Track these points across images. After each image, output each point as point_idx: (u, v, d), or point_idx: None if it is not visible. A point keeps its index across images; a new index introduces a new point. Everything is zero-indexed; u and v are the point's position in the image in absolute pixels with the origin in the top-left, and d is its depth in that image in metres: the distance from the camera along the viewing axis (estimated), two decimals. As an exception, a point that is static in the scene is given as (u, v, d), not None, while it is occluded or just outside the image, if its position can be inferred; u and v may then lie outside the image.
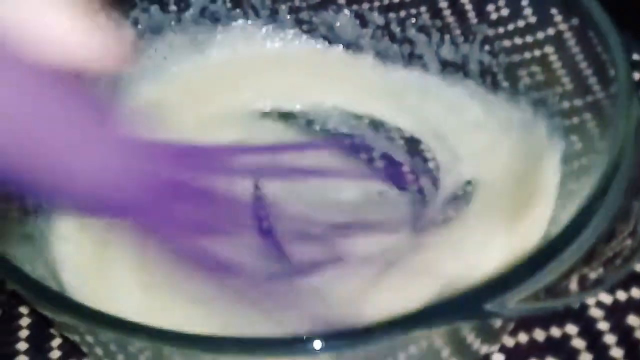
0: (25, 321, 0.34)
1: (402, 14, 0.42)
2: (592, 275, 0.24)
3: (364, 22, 0.42)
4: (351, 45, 0.42)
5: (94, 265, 0.31)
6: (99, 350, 0.28)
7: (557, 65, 0.38)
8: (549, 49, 0.38)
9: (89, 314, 0.25)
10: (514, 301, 0.23)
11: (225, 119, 0.40)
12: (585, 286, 0.24)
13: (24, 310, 0.34)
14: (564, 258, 0.24)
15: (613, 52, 0.31)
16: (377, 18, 0.42)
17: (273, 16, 0.43)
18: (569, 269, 0.24)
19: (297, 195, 0.35)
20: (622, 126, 0.28)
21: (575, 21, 0.36)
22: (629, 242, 0.26)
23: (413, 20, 0.42)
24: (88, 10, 0.20)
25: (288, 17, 0.43)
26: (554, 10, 0.37)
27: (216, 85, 0.41)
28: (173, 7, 0.42)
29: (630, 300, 0.33)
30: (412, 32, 0.41)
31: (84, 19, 0.20)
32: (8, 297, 0.34)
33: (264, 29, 0.43)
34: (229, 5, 0.43)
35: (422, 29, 0.42)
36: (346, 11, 0.42)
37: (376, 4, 0.43)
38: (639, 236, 0.26)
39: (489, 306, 0.22)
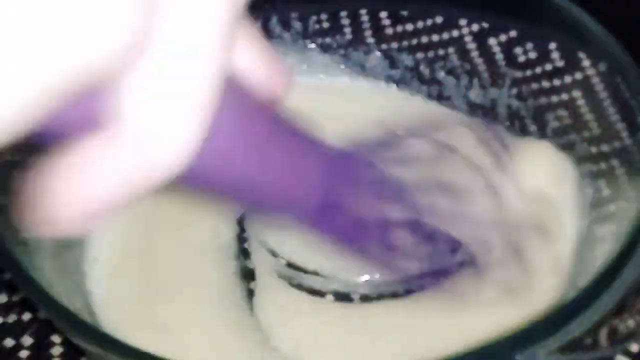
0: (57, 350, 0.34)
1: (431, 54, 0.43)
2: (623, 327, 0.25)
3: (393, 63, 0.43)
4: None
5: (128, 300, 0.32)
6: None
7: (584, 109, 0.38)
8: (576, 93, 0.39)
9: (119, 346, 0.26)
10: (544, 352, 0.23)
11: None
12: (616, 339, 0.24)
13: (56, 339, 0.35)
14: (594, 310, 0.25)
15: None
16: (406, 59, 0.43)
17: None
18: (600, 321, 0.24)
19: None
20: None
21: (602, 66, 0.36)
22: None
23: (441, 62, 0.42)
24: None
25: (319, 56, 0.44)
26: (581, 55, 0.37)
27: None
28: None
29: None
30: (440, 74, 0.42)
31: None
32: (41, 326, 0.35)
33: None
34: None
35: (450, 71, 0.42)
36: (376, 52, 0.43)
37: (405, 44, 0.44)
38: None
39: (519, 357, 0.23)
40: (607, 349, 0.25)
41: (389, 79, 0.43)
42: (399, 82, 0.43)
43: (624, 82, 0.34)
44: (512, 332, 0.23)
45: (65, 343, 0.34)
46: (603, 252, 0.30)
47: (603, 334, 0.25)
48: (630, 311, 0.25)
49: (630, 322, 0.25)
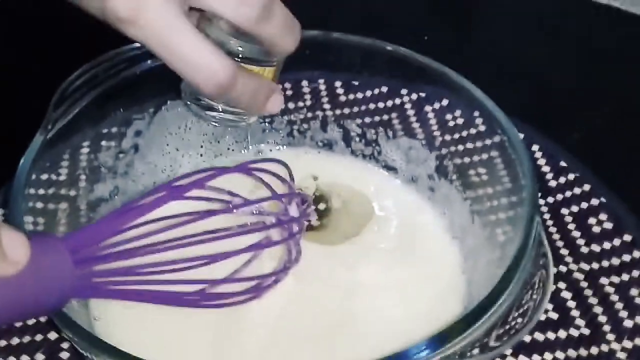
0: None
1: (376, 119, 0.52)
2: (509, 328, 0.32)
3: (345, 130, 0.51)
4: (326, 145, 0.52)
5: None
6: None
7: (500, 167, 0.47)
8: (494, 153, 0.47)
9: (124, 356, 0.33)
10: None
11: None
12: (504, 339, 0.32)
13: (64, 355, 0.42)
14: (485, 320, 0.33)
15: (523, 166, 0.40)
16: (355, 127, 0.51)
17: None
18: (490, 327, 0.32)
19: None
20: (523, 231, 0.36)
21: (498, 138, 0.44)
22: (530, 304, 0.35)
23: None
24: None
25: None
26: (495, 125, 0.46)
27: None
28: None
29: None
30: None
31: None
32: (50, 345, 0.43)
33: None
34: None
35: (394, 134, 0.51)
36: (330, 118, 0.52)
37: (355, 109, 0.53)
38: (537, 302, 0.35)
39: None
40: (497, 349, 0.33)
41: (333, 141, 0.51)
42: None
43: (513, 152, 0.42)
44: (411, 345, 0.31)
45: (71, 358, 0.42)
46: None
47: (492, 337, 0.33)
48: (514, 315, 0.33)
49: (516, 322, 0.33)
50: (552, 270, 0.35)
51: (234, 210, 0.42)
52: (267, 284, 0.41)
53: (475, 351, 0.33)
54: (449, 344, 0.31)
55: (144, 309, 0.38)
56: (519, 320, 0.34)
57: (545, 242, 0.37)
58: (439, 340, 0.32)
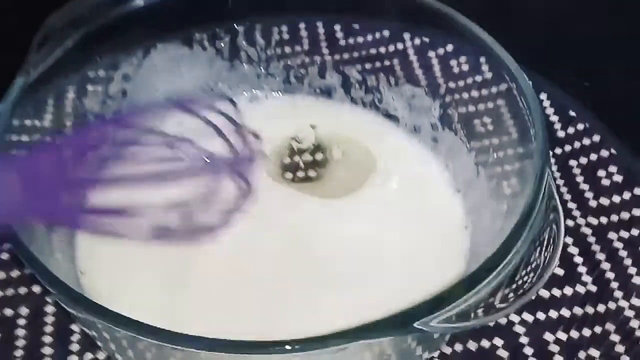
0: (50, 319, 0.41)
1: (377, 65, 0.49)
2: (516, 289, 0.31)
3: (345, 76, 0.49)
4: (324, 92, 0.49)
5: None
6: (112, 346, 0.35)
7: (507, 116, 0.45)
8: (501, 102, 0.45)
9: (108, 314, 0.32)
10: (436, 321, 0.29)
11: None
12: (510, 300, 0.31)
13: (49, 309, 0.41)
14: (490, 282, 0.31)
15: (533, 115, 0.38)
16: (355, 73, 0.49)
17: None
18: (495, 288, 0.30)
19: None
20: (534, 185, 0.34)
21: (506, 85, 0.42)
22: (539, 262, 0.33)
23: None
24: None
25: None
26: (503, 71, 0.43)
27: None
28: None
29: (548, 319, 0.40)
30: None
31: None
32: (35, 298, 0.41)
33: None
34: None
35: (396, 81, 0.48)
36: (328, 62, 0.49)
37: (355, 54, 0.50)
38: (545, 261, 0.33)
39: (417, 324, 0.29)
40: (502, 310, 0.31)
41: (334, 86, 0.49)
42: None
43: (521, 100, 0.40)
44: (412, 304, 0.30)
45: (57, 313, 0.41)
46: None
47: (498, 297, 0.32)
48: (522, 274, 0.31)
49: (524, 282, 0.31)
50: (563, 225, 0.33)
51: (179, 151, 0.40)
52: (218, 223, 0.39)
53: (480, 312, 0.31)
54: (449, 306, 0.30)
55: (130, 262, 0.37)
56: (527, 279, 0.32)
57: (556, 195, 0.35)
58: (439, 302, 0.30)
